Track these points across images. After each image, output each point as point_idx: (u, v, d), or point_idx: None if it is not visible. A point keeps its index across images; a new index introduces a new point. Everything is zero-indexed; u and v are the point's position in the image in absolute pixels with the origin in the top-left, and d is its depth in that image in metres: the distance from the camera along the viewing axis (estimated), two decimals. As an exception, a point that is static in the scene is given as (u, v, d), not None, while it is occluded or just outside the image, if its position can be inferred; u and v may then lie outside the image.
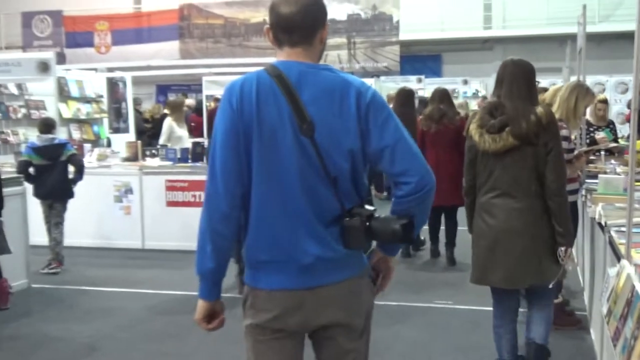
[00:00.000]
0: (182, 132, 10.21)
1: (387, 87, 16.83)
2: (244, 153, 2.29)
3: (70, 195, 7.74)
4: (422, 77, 17.38)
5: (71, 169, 7.74)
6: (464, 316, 5.98)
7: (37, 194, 7.60)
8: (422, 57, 20.59)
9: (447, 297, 6.50)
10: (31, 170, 7.48)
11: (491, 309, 4.32)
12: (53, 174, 7.54)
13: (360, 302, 2.43)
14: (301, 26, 2.35)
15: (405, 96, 8.32)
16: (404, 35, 19.24)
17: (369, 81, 16.86)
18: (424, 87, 16.71)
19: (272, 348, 2.40)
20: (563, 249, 3.91)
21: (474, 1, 19.81)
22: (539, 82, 6.77)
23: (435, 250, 8.02)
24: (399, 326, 5.74)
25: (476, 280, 4.14)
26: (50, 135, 7.65)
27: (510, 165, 3.92)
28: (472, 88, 19.87)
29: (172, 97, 19.70)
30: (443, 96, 7.74)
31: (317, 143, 2.27)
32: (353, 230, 2.32)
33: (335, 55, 19.55)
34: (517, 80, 3.97)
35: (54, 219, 7.74)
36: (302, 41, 2.36)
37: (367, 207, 2.36)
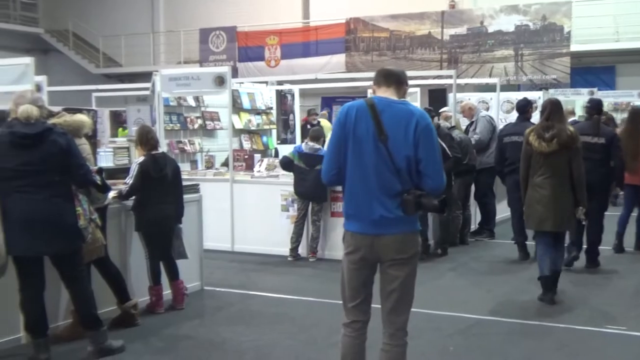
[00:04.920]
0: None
1: (556, 100, 16.18)
2: (343, 151, 3.87)
3: (323, 199, 8.72)
4: (595, 89, 16.55)
5: None
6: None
7: (296, 191, 8.75)
8: (594, 69, 19.65)
9: (621, 322, 6.14)
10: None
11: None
12: (309, 179, 8.57)
13: (406, 247, 3.87)
14: (395, 74, 3.99)
15: (634, 114, 9.37)
16: (575, 47, 18.52)
17: (537, 94, 16.44)
18: (596, 100, 15.90)
19: (356, 269, 3.95)
20: (581, 208, 6.66)
21: (652, 10, 18.65)
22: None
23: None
24: (564, 353, 5.52)
25: (536, 227, 6.86)
26: (316, 146, 8.73)
27: (555, 160, 6.63)
28: (649, 101, 18.68)
29: (337, 108, 20.10)
30: None
31: (389, 147, 3.78)
32: (408, 202, 3.79)
33: (502, 67, 19.16)
34: (559, 111, 6.77)
35: (313, 217, 8.74)
36: (394, 85, 3.94)
37: (418, 190, 3.81)
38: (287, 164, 8.86)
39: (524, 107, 8.83)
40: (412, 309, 4.05)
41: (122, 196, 6.30)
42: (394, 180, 3.80)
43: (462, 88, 15.86)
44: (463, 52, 19.67)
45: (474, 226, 10.51)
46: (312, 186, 8.57)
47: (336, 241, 8.74)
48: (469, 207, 10.13)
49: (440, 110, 10.94)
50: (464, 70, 19.15)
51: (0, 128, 5.03)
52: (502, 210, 11.13)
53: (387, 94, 3.92)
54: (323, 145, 9.04)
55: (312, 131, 9.31)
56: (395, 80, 3.95)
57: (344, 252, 4.00)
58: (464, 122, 11.27)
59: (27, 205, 4.83)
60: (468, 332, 5.94)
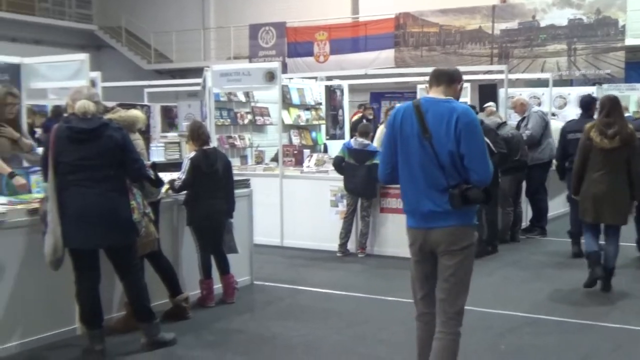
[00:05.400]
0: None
1: (610, 95, 15.84)
2: (394, 150, 4.11)
3: (373, 195, 8.68)
4: (650, 84, 16.21)
5: None
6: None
7: (346, 187, 8.74)
8: (649, 64, 19.19)
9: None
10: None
11: None
12: (358, 175, 8.56)
13: (457, 240, 4.00)
14: (446, 73, 4.18)
15: None
16: (630, 40, 18.10)
17: (590, 89, 16.15)
18: (651, 95, 15.57)
19: (417, 261, 4.18)
20: (635, 202, 7.10)
21: None
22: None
23: None
24: (618, 355, 5.41)
25: (593, 220, 7.04)
26: (365, 141, 8.70)
27: (614, 156, 6.81)
28: None
29: (385, 104, 20.02)
30: None
31: (433, 145, 3.94)
32: (454, 196, 3.93)
33: (554, 62, 18.86)
34: (619, 108, 6.96)
35: (362, 213, 8.75)
36: (444, 84, 4.12)
37: (466, 184, 3.94)
38: (338, 164, 8.81)
39: (588, 104, 8.72)
40: (469, 307, 4.04)
41: (174, 190, 6.38)
42: (440, 175, 3.96)
43: (512, 83, 15.67)
44: (514, 46, 19.40)
45: (525, 223, 10.36)
46: (362, 182, 8.56)
47: (385, 237, 8.74)
48: (520, 204, 9.99)
49: (484, 106, 10.83)
50: (515, 65, 18.88)
51: (57, 123, 5.14)
52: (554, 207, 10.98)
53: (436, 93, 4.12)
54: (372, 141, 9.04)
55: (360, 127, 9.30)
56: (445, 79, 4.13)
57: (409, 245, 4.23)
58: (512, 118, 11.16)
59: (83, 199, 4.91)
60: (520, 331, 5.87)
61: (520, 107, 10.58)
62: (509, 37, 19.49)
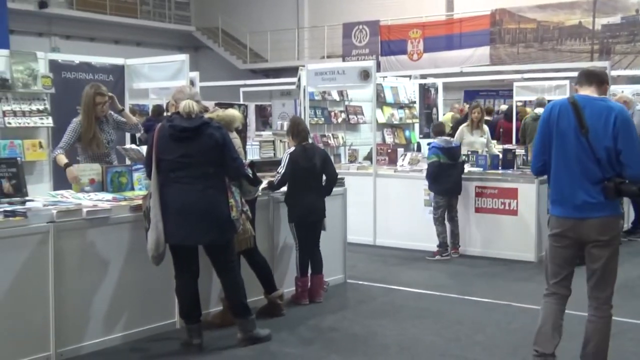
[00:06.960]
0: (475, 138, 9.98)
1: None
2: (548, 143, 4.39)
3: (460, 192, 8.56)
4: None
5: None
6: None
7: (436, 190, 8.52)
8: None
9: None
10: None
11: None
12: (455, 172, 8.44)
13: (607, 230, 4.32)
14: (596, 74, 4.44)
15: None
16: None
17: None
18: None
19: (559, 247, 4.44)
20: None
21: None
22: None
23: None
24: None
25: None
26: (447, 138, 8.65)
27: None
28: None
29: (477, 102, 19.68)
30: None
31: (590, 140, 4.23)
32: (609, 189, 4.23)
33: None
34: None
35: (449, 214, 8.59)
36: (595, 84, 4.38)
37: (619, 178, 4.22)
38: (434, 169, 8.44)
39: None
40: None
41: (273, 187, 6.47)
42: (595, 169, 4.25)
43: (614, 80, 15.10)
44: (616, 42, 18.73)
45: (626, 225, 10.00)
46: (457, 180, 8.48)
47: (480, 238, 8.60)
48: (622, 205, 9.64)
49: None
50: (617, 62, 18.22)
51: (158, 122, 5.30)
52: (659, 209, 10.52)
53: (587, 92, 4.40)
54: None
55: (434, 126, 9.19)
56: (596, 79, 4.42)
57: (549, 234, 4.51)
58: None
59: (185, 196, 5.03)
60: (622, 337, 5.65)
61: (624, 105, 10.21)
62: (611, 32, 18.83)
